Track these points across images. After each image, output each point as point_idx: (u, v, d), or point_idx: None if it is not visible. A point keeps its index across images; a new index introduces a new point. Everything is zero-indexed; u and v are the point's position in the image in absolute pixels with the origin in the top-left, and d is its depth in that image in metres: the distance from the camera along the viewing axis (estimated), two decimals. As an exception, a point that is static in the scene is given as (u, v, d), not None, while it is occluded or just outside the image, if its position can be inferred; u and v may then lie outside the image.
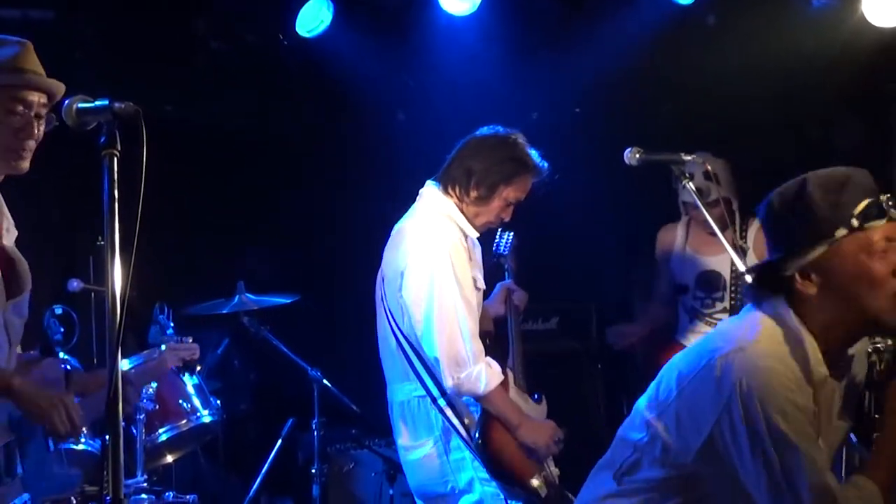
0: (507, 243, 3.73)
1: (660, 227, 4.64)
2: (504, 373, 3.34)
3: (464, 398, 3.27)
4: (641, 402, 2.26)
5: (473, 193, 3.32)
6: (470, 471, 3.25)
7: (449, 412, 3.24)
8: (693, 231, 4.44)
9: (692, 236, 4.44)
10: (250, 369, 5.21)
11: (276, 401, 4.95)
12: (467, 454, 3.26)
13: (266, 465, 4.25)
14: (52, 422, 2.45)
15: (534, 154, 3.39)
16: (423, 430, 3.31)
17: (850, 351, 2.20)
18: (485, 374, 3.18)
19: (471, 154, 3.35)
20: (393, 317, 3.34)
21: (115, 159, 1.81)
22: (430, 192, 3.39)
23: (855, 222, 2.06)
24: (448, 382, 3.18)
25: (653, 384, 2.27)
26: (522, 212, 5.17)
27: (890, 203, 2.07)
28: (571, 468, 3.50)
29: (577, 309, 5.46)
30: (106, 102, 1.80)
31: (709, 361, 2.10)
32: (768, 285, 2.15)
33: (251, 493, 4.10)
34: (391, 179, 5.05)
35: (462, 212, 3.34)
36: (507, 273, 3.73)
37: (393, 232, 3.44)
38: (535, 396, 3.54)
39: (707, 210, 3.34)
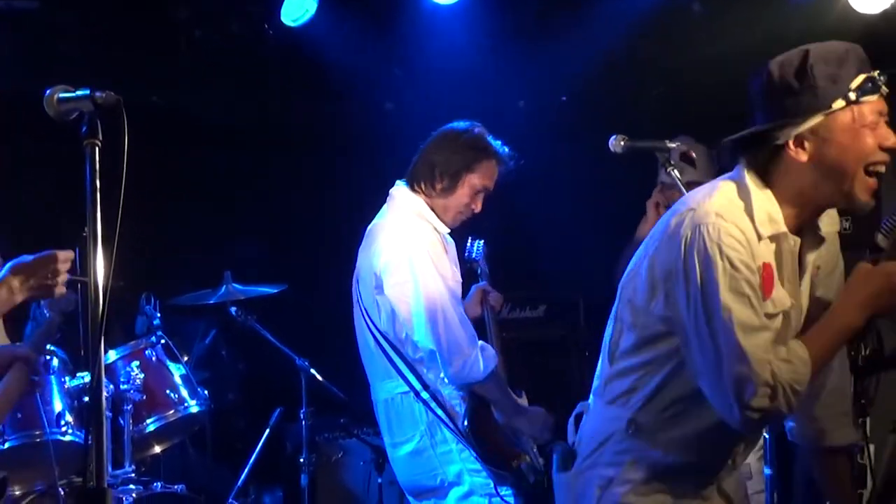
0: (478, 249, 3.77)
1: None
2: None
3: (445, 390, 3.28)
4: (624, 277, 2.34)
5: (439, 185, 3.37)
6: (458, 463, 3.27)
7: (433, 405, 3.26)
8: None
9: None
10: (238, 359, 5.20)
11: (264, 391, 4.95)
12: (454, 446, 3.28)
13: (254, 455, 4.24)
14: None
15: (494, 141, 3.44)
16: (409, 425, 3.33)
17: (822, 231, 2.29)
18: (482, 358, 3.20)
19: (433, 149, 3.43)
20: (369, 316, 3.37)
21: (97, 149, 1.78)
22: (400, 192, 3.44)
23: (852, 96, 2.14)
24: (447, 371, 3.20)
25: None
26: (510, 199, 5.20)
27: (881, 79, 2.17)
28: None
29: (565, 297, 5.46)
30: (87, 92, 1.79)
31: (667, 223, 2.22)
32: (747, 151, 2.23)
33: (239, 483, 4.10)
34: (379, 169, 5.04)
35: (432, 208, 3.39)
36: (480, 277, 3.75)
37: (366, 233, 3.48)
38: (518, 393, 3.55)
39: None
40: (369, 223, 3.56)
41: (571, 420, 2.44)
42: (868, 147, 2.15)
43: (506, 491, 3.24)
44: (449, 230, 3.46)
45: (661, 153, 3.34)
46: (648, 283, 2.20)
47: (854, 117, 2.15)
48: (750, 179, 2.20)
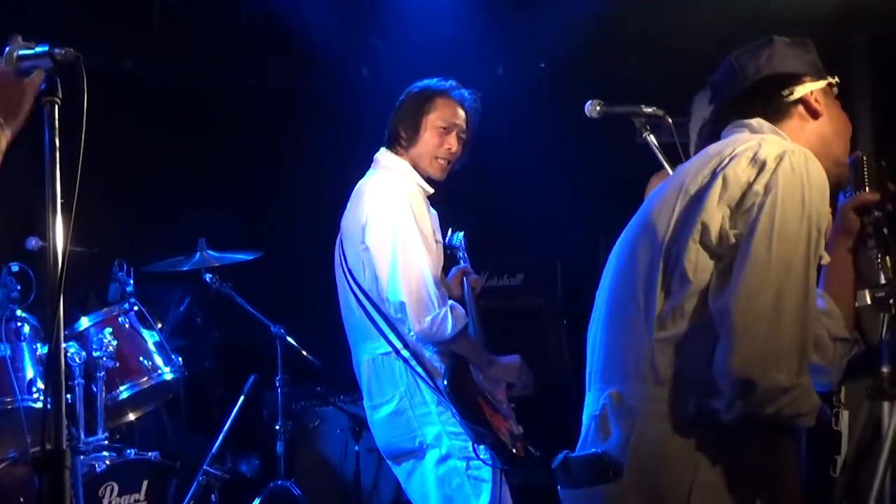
0: (459, 239, 3.78)
1: (627, 182, 4.62)
2: None
3: (427, 351, 3.29)
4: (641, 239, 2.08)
5: (405, 140, 3.44)
6: (437, 425, 3.26)
7: (414, 363, 3.26)
8: None
9: None
10: (213, 327, 5.18)
11: (239, 358, 4.93)
12: (433, 408, 3.28)
13: (229, 422, 4.23)
14: None
15: (443, 82, 3.51)
16: (389, 386, 3.33)
17: None
18: (451, 316, 3.21)
19: (394, 112, 3.52)
20: (353, 275, 3.38)
21: (56, 107, 1.75)
22: (383, 155, 3.50)
23: (830, 79, 2.21)
24: (416, 327, 3.21)
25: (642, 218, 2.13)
26: (488, 167, 5.18)
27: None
28: (534, 424, 3.52)
29: (543, 265, 5.46)
30: (45, 48, 1.75)
31: (732, 154, 1.99)
32: (753, 106, 2.17)
33: (214, 450, 4.08)
34: (354, 136, 5.01)
35: (415, 166, 3.44)
36: (461, 261, 3.77)
37: (351, 194, 3.50)
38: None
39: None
40: (344, 190, 3.57)
41: (595, 423, 2.06)
42: (848, 129, 2.19)
43: (484, 453, 3.22)
44: (433, 190, 3.49)
45: (636, 118, 3.32)
46: (716, 212, 1.93)
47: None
48: (781, 133, 2.13)
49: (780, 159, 1.93)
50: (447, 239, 3.73)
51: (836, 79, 2.23)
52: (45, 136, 1.75)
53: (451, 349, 3.28)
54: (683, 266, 1.95)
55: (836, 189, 2.22)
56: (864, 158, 2.38)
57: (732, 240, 1.92)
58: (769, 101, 2.16)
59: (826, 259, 2.12)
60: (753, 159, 1.96)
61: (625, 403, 2.00)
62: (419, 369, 3.26)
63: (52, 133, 1.74)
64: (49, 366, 1.57)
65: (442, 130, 3.43)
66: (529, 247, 5.48)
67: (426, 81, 3.52)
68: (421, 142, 3.43)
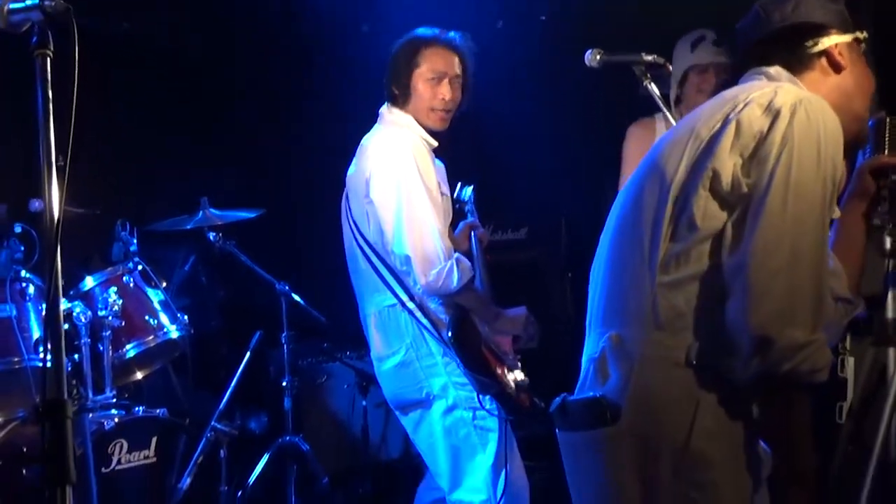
0: (468, 194, 3.81)
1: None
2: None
3: (432, 303, 3.29)
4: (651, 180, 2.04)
5: (397, 94, 3.42)
6: (443, 376, 3.29)
7: (419, 315, 3.28)
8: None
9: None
10: (218, 286, 5.19)
11: (245, 317, 4.94)
12: (439, 359, 3.31)
13: (235, 379, 4.25)
14: None
15: (424, 31, 3.48)
16: (395, 338, 3.36)
17: None
18: (456, 270, 3.20)
19: (387, 70, 3.50)
20: (358, 228, 3.38)
21: (48, 60, 1.74)
22: (386, 109, 3.49)
23: (858, 34, 2.17)
24: (421, 280, 3.22)
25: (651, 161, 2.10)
26: (490, 122, 5.15)
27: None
28: (539, 376, 3.54)
29: (547, 219, 5.46)
30: (36, 1, 1.74)
31: (745, 100, 1.96)
32: (774, 54, 2.13)
33: (221, 407, 4.11)
34: (355, 92, 4.98)
35: (415, 119, 3.42)
36: (469, 215, 3.78)
37: (357, 151, 3.50)
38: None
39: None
40: (346, 146, 3.56)
41: (594, 366, 2.05)
42: (871, 87, 2.16)
43: (489, 404, 3.24)
44: (437, 143, 3.47)
45: (637, 66, 3.30)
46: (727, 158, 1.91)
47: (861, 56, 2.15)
48: (799, 83, 2.10)
49: (796, 108, 1.91)
50: (456, 193, 3.74)
51: (865, 34, 2.18)
52: (37, 91, 1.74)
53: (456, 301, 3.28)
54: (692, 212, 1.95)
55: (853, 147, 2.19)
56: (888, 121, 2.37)
57: (745, 189, 1.91)
58: (792, 51, 2.13)
59: (836, 213, 2.10)
60: (768, 107, 1.93)
61: (624, 346, 2.00)
62: (424, 321, 3.28)
63: (45, 86, 1.74)
64: (48, 316, 1.58)
65: (433, 81, 3.40)
66: (533, 201, 5.47)
67: (411, 33, 3.48)
68: (415, 96, 3.41)
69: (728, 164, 1.92)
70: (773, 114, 1.91)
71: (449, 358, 3.28)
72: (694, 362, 1.94)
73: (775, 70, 2.12)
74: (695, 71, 4.26)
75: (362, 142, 3.48)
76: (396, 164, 3.28)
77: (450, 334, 3.22)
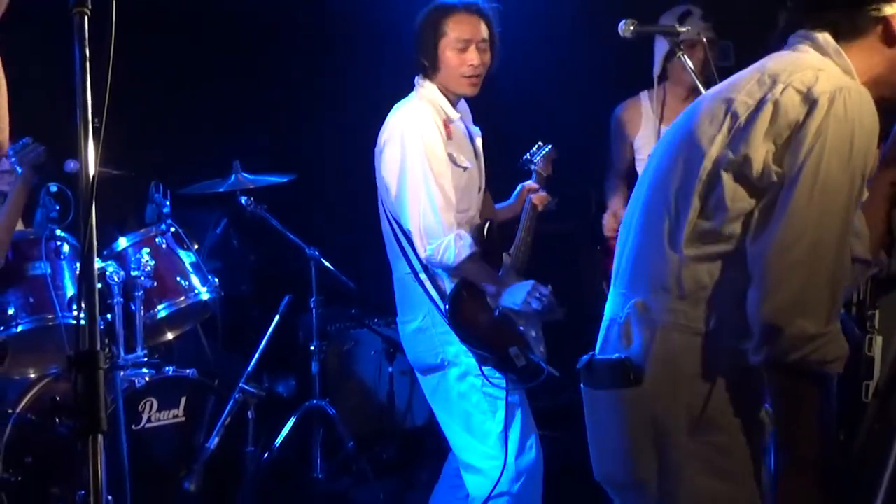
0: (539, 153, 3.83)
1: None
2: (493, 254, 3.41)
3: (439, 272, 3.33)
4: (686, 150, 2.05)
5: (427, 64, 3.41)
6: (456, 344, 3.32)
7: (429, 285, 3.32)
8: (669, 104, 4.35)
9: (668, 110, 4.35)
10: (249, 250, 5.24)
11: (275, 281, 4.99)
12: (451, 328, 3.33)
13: (264, 342, 4.29)
14: None
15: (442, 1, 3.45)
16: (413, 305, 3.41)
17: None
18: (454, 245, 3.23)
19: (414, 42, 3.47)
20: (382, 195, 3.43)
21: (86, 18, 1.76)
22: (418, 80, 3.48)
23: None
24: (420, 253, 3.27)
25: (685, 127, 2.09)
26: (522, 92, 5.13)
27: None
28: (567, 348, 3.54)
29: (576, 189, 5.43)
30: (73, -40, 1.76)
31: (784, 80, 1.95)
32: (825, 19, 2.06)
33: (249, 369, 4.16)
34: (389, 59, 4.98)
35: (444, 91, 3.42)
36: (533, 176, 3.80)
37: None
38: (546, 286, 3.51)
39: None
40: (376, 113, 3.57)
41: (618, 328, 2.12)
42: None
43: (490, 371, 3.27)
44: (459, 115, 3.45)
45: (670, 38, 3.29)
46: (760, 143, 1.92)
47: None
48: (844, 55, 2.03)
49: (834, 99, 1.89)
50: (529, 153, 3.80)
51: None
52: (74, 49, 1.76)
53: (461, 275, 3.30)
54: (722, 193, 1.97)
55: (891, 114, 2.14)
56: None
57: (774, 178, 1.92)
58: (850, 13, 2.05)
59: (865, 195, 2.05)
60: (807, 95, 1.91)
61: (649, 314, 2.05)
62: (433, 292, 3.32)
63: (82, 45, 1.76)
64: (82, 272, 1.61)
65: (460, 49, 3.38)
66: (564, 171, 5.45)
67: (433, 3, 3.46)
68: (444, 65, 3.40)
69: (761, 150, 1.93)
70: (811, 103, 1.90)
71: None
72: (713, 335, 1.99)
73: (823, 38, 2.05)
74: (683, 46, 4.22)
75: (393, 109, 3.50)
76: (402, 139, 3.31)
77: (446, 307, 3.27)
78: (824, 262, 1.87)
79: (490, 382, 3.26)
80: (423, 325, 3.38)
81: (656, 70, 4.14)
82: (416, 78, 3.50)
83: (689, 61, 3.30)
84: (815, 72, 1.95)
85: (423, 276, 3.33)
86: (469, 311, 3.29)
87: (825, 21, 2.07)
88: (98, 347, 1.57)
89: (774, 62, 2.04)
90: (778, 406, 1.96)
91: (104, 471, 1.54)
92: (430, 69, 3.42)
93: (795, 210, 1.87)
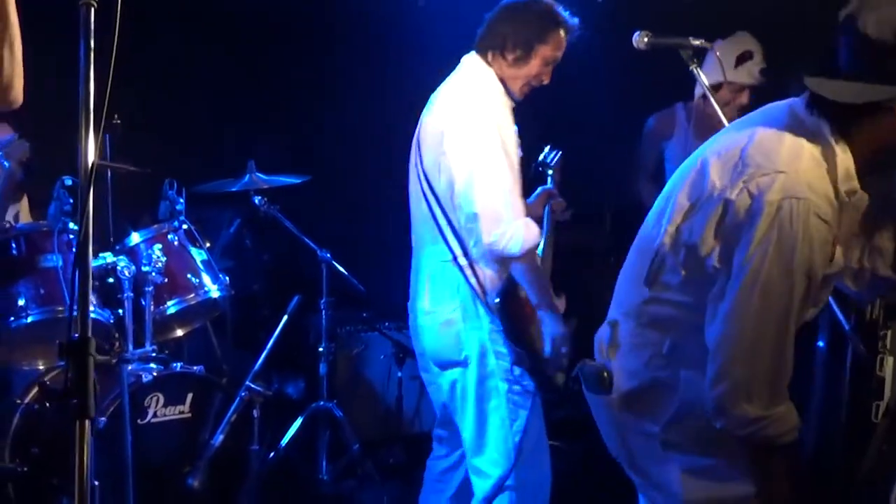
0: (554, 157, 3.81)
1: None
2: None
3: (488, 269, 3.25)
4: (667, 206, 2.23)
5: (510, 56, 3.32)
6: (486, 343, 3.24)
7: (469, 273, 3.23)
8: (703, 121, 4.38)
9: (701, 126, 4.38)
10: (262, 250, 5.27)
11: (287, 281, 5.01)
12: (485, 325, 3.25)
13: (271, 341, 4.31)
14: None
15: (564, 11, 3.38)
16: (446, 295, 3.29)
17: None
18: (522, 232, 3.14)
19: (503, 19, 3.36)
20: (427, 178, 3.32)
21: (92, 10, 1.78)
22: (472, 61, 3.38)
23: None
24: (485, 238, 3.14)
25: (673, 183, 2.26)
26: (540, 103, 5.13)
27: None
28: (581, 356, 3.54)
29: (591, 205, 5.44)
30: (82, -48, 1.79)
31: (742, 173, 2.07)
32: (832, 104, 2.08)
33: (256, 367, 4.17)
34: (407, 62, 5.01)
35: (502, 80, 3.34)
36: (549, 181, 3.76)
37: (433, 97, 3.42)
38: (558, 294, 3.49)
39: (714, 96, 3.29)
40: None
41: (600, 338, 2.41)
42: None
43: (524, 379, 3.23)
44: (513, 104, 3.39)
45: (684, 50, 3.28)
46: (710, 233, 2.09)
47: None
48: (832, 137, 2.08)
49: (780, 209, 1.99)
50: (543, 156, 3.76)
51: None
52: (80, 41, 1.78)
53: (514, 269, 3.21)
54: (679, 261, 2.16)
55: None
56: None
57: (721, 270, 2.08)
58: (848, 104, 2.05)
59: (835, 267, 2.15)
60: (756, 199, 2.02)
61: (618, 332, 2.33)
62: (472, 280, 3.22)
63: (87, 37, 1.77)
64: (77, 261, 1.63)
65: (546, 63, 3.35)
66: (579, 183, 5.45)
67: (549, 4, 3.37)
68: (525, 67, 3.33)
69: (709, 243, 2.10)
70: (758, 208, 2.02)
71: (494, 325, 3.23)
72: (667, 361, 2.24)
73: (815, 125, 2.09)
74: (731, 88, 4.24)
75: (440, 89, 3.40)
76: (477, 121, 3.20)
77: (497, 300, 3.18)
78: (764, 356, 2.04)
79: (517, 380, 3.21)
80: (452, 317, 3.26)
81: (699, 91, 4.15)
82: (471, 57, 3.39)
83: (701, 74, 3.30)
84: (774, 174, 2.03)
85: (463, 262, 3.23)
86: (518, 306, 3.22)
87: (835, 112, 2.08)
88: (89, 336, 1.58)
89: (758, 143, 2.11)
90: (752, 469, 2.16)
91: (91, 456, 1.55)
92: (509, 60, 3.32)
93: (736, 309, 2.04)
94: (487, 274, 3.25)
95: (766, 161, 2.07)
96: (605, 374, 2.33)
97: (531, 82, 3.37)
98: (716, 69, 4.08)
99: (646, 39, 3.23)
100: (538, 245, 3.23)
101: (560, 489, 3.46)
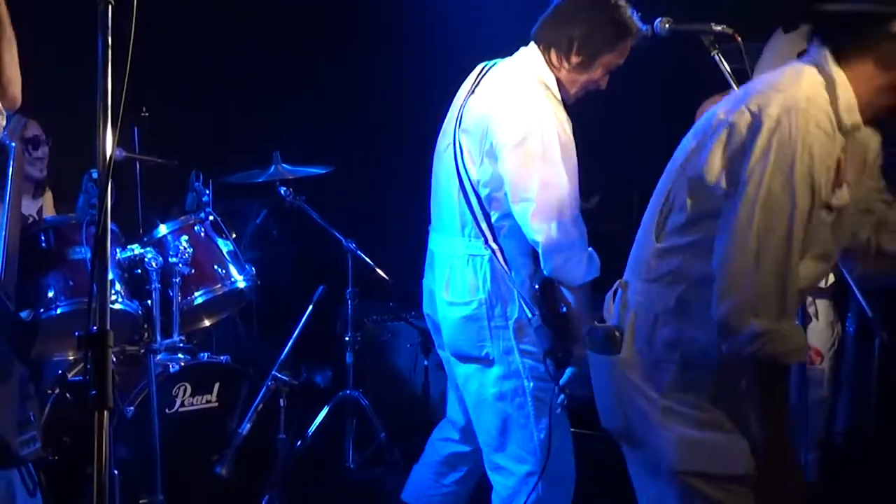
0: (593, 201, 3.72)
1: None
2: None
3: (519, 270, 3.10)
4: (679, 154, 2.31)
5: (574, 60, 3.14)
6: (510, 340, 3.11)
7: (499, 265, 3.06)
8: None
9: None
10: (289, 240, 5.30)
11: (314, 272, 5.04)
12: (511, 323, 3.11)
13: (297, 331, 4.34)
14: None
15: (634, 16, 3.19)
16: (469, 289, 3.14)
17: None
18: (584, 263, 2.99)
19: (570, 17, 3.15)
20: (465, 164, 3.13)
21: (110, 8, 1.81)
22: (535, 57, 3.18)
23: None
24: (548, 265, 2.97)
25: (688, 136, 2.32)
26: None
27: None
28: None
29: (619, 191, 5.42)
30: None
31: (744, 100, 2.15)
32: (834, 33, 2.18)
33: (282, 357, 4.20)
34: (430, 54, 5.02)
35: (560, 80, 3.17)
36: None
37: (481, 73, 3.23)
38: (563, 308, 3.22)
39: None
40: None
41: (609, 297, 2.43)
42: None
43: (550, 365, 3.02)
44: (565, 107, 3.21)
45: (705, 36, 3.26)
46: (717, 158, 2.15)
47: None
48: (833, 67, 2.16)
49: (780, 121, 2.06)
50: None
51: None
52: (98, 37, 1.81)
53: (567, 294, 3.02)
54: (685, 198, 2.20)
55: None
56: None
57: (728, 191, 2.14)
58: (850, 31, 2.15)
59: (842, 199, 2.18)
60: (756, 116, 2.09)
61: (627, 292, 2.35)
62: (502, 273, 3.07)
63: (105, 34, 1.81)
64: (95, 254, 1.66)
65: (608, 69, 3.21)
66: (605, 171, 5.44)
67: (623, 7, 3.15)
68: (587, 73, 3.17)
69: (716, 167, 2.15)
70: (758, 124, 2.09)
71: (523, 319, 3.07)
72: (676, 316, 2.25)
73: (823, 57, 2.17)
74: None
75: (495, 73, 3.19)
76: (539, 138, 2.98)
77: (536, 286, 3.01)
78: (768, 268, 2.06)
79: (548, 371, 3.01)
80: (475, 313, 3.12)
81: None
82: (531, 50, 3.18)
83: (722, 59, 3.28)
84: (774, 93, 2.12)
85: (494, 255, 3.06)
86: (556, 296, 3.02)
87: (836, 42, 2.18)
88: (107, 328, 1.61)
89: (760, 79, 2.24)
90: (753, 397, 2.18)
91: (111, 444, 1.58)
92: (573, 63, 3.14)
93: (739, 224, 2.08)
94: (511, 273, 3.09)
95: (766, 86, 2.17)
96: (617, 333, 2.32)
97: (589, 88, 3.24)
98: (777, 54, 4.04)
99: (667, 26, 3.22)
100: (595, 277, 3.02)
101: (589, 477, 3.45)
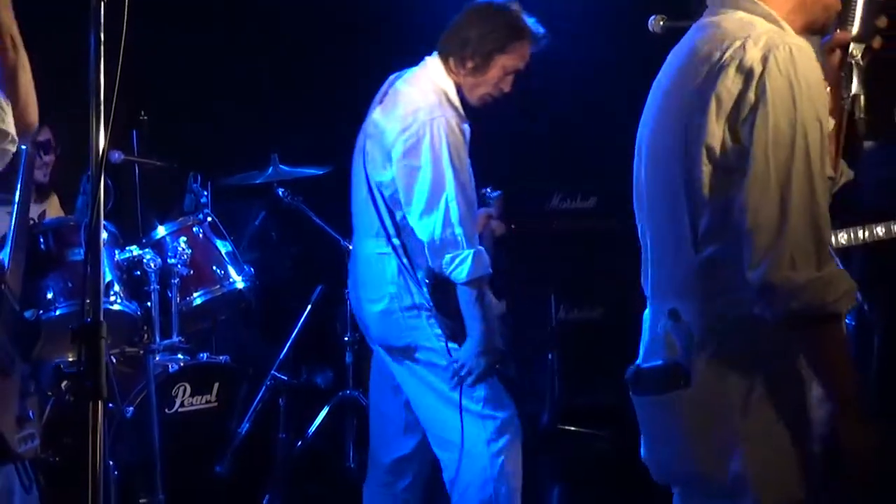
0: (496, 197, 3.72)
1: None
2: None
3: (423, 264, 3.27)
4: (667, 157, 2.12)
5: (469, 64, 3.28)
6: (425, 329, 3.27)
7: (406, 262, 3.26)
8: None
9: None
10: (288, 241, 5.32)
11: (314, 272, 5.06)
12: (423, 313, 3.28)
13: (296, 331, 4.36)
14: None
15: (529, 21, 3.32)
16: (379, 285, 3.31)
17: None
18: (472, 261, 3.16)
19: (465, 24, 3.32)
20: (370, 169, 3.33)
21: (102, 4, 1.83)
22: (434, 65, 3.35)
23: None
24: (436, 262, 3.18)
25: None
26: (559, 90, 5.13)
27: None
28: (608, 350, 3.50)
29: (615, 188, 5.41)
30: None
31: (723, 56, 2.00)
32: None
33: (281, 357, 4.22)
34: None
35: (459, 88, 3.30)
36: (490, 205, 3.69)
37: (388, 86, 3.44)
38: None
39: None
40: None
41: (661, 341, 2.11)
42: None
43: (455, 347, 3.24)
44: (468, 127, 3.32)
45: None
46: (713, 122, 1.98)
47: None
48: (759, 2, 2.08)
49: (766, 61, 1.95)
50: (486, 192, 3.67)
51: None
52: (90, 34, 1.83)
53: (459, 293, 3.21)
54: (701, 191, 2.01)
55: (821, 32, 2.18)
56: None
57: (738, 152, 1.97)
58: None
59: (831, 124, 2.10)
60: (740, 67, 1.97)
61: (682, 319, 2.07)
62: (407, 267, 3.26)
63: (97, 31, 1.82)
64: (88, 250, 1.68)
65: (508, 73, 3.30)
66: (602, 170, 5.45)
67: (513, 8, 3.31)
68: (483, 76, 3.29)
69: (718, 135, 1.99)
70: (746, 73, 1.96)
71: (430, 306, 3.26)
72: (736, 327, 2.01)
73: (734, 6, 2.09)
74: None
75: (398, 84, 3.38)
76: (429, 143, 3.16)
77: (427, 281, 3.24)
78: (797, 213, 1.91)
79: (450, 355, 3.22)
80: (388, 307, 3.29)
81: None
82: (432, 60, 3.35)
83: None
84: (742, 40, 2.00)
85: (403, 257, 3.26)
86: (448, 290, 3.23)
87: None
88: (101, 319, 1.63)
89: (707, 41, 2.07)
90: (810, 360, 1.98)
91: (105, 436, 1.60)
92: (468, 69, 3.28)
93: (756, 174, 1.93)
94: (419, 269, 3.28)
95: (729, 37, 2.03)
96: (678, 368, 2.05)
97: (492, 93, 3.33)
98: None
99: (661, 23, 3.23)
100: (487, 276, 3.21)
101: (589, 477, 3.46)
